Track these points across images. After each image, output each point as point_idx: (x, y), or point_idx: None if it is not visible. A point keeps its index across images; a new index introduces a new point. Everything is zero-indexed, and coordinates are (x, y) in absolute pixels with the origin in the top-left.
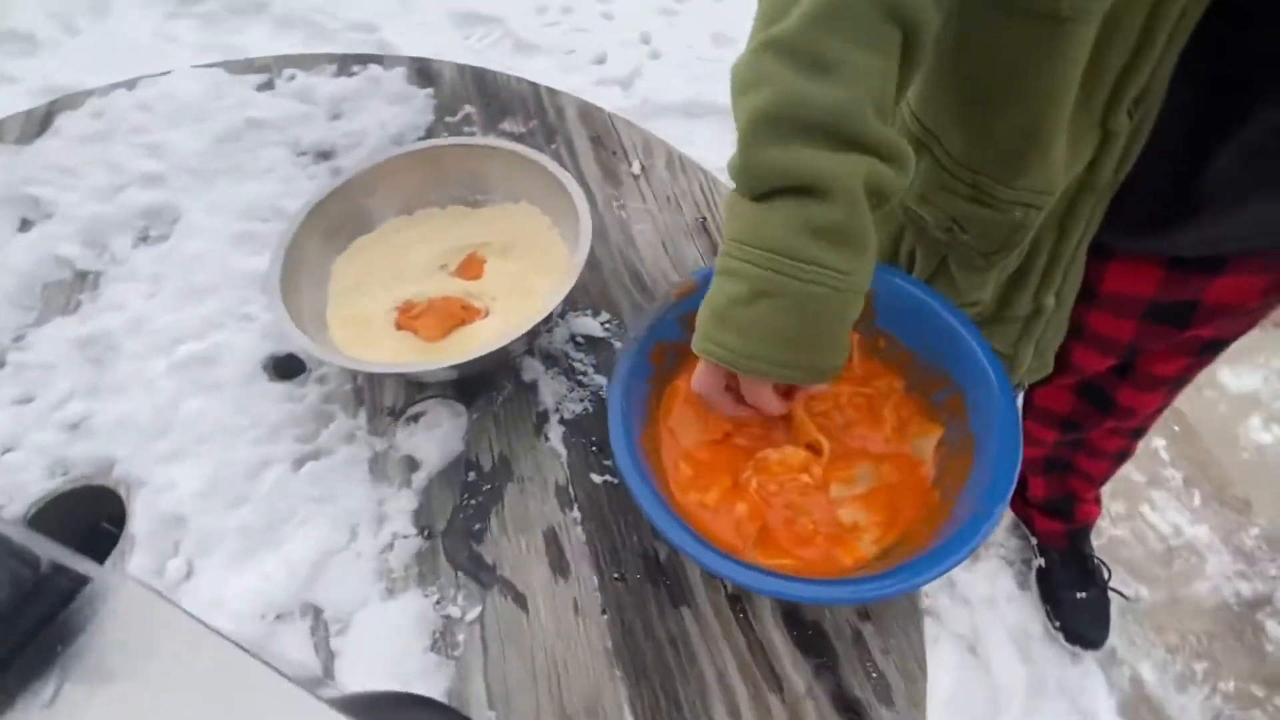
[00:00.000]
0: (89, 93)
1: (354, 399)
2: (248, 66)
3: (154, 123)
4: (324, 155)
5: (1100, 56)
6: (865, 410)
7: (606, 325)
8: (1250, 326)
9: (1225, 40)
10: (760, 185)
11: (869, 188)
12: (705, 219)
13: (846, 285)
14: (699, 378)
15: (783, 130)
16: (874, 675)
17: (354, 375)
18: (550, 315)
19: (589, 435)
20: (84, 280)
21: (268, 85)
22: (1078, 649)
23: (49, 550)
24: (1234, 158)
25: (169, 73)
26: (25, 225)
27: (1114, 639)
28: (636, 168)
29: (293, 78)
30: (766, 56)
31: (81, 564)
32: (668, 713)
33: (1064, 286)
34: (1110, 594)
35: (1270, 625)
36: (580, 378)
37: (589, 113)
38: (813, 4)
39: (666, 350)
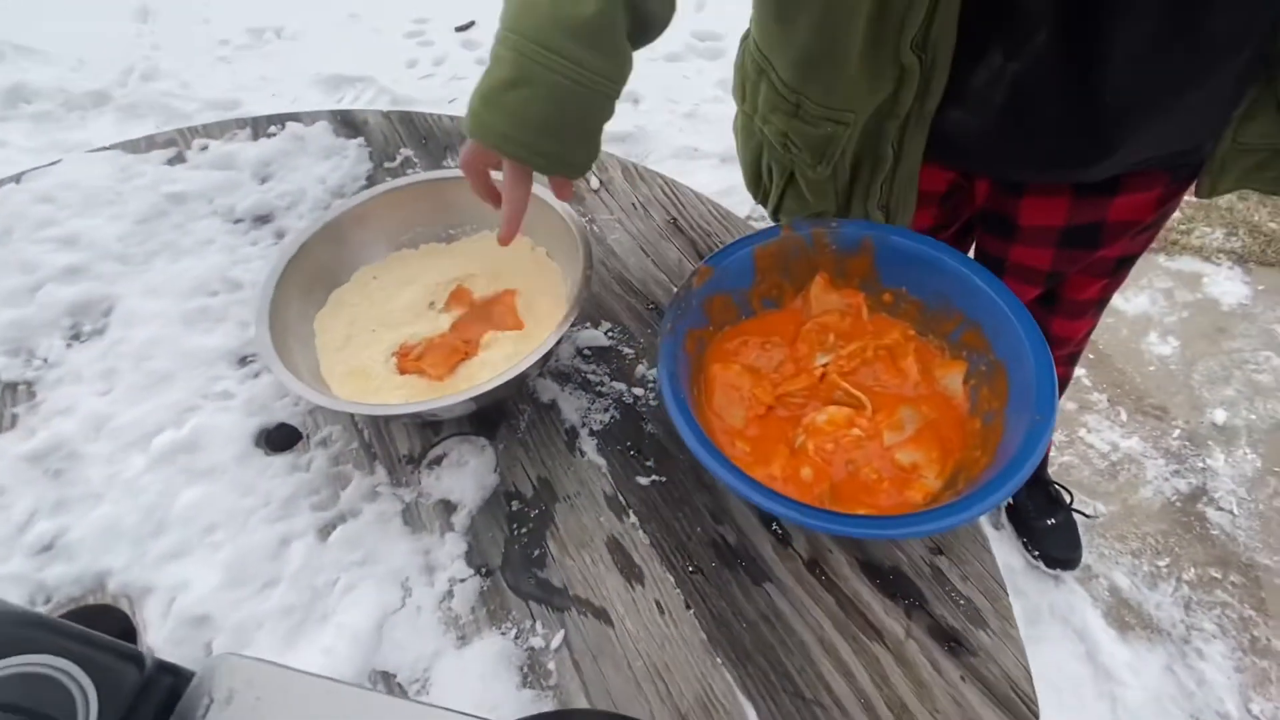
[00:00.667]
0: None
1: (365, 455)
2: (150, 144)
3: (60, 214)
4: (262, 219)
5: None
6: (888, 362)
7: (610, 334)
8: (1150, 240)
9: None
10: None
11: (629, 2)
12: (676, 219)
13: (591, 83)
14: (466, 156)
15: None
16: (961, 602)
17: (360, 431)
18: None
19: (623, 441)
20: (15, 392)
21: (179, 159)
22: (1058, 572)
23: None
24: (1115, 78)
25: (58, 162)
26: None
27: (1086, 556)
28: (595, 183)
29: (205, 147)
30: None
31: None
32: (780, 686)
33: (891, 200)
34: (1074, 516)
35: (1210, 513)
36: (599, 388)
37: None
38: None
39: (696, 337)
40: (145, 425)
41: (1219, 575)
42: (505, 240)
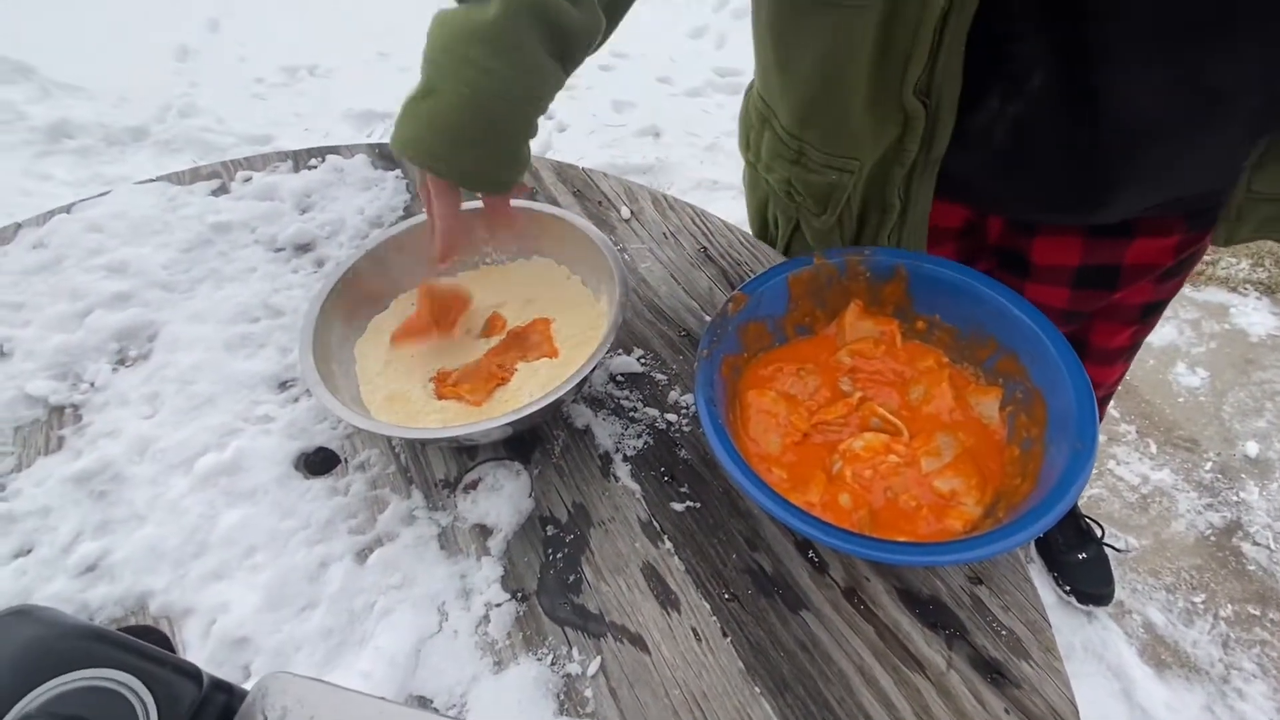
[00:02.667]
0: (16, 225)
1: (403, 480)
2: (195, 175)
3: (110, 242)
4: (303, 248)
5: (888, 44)
6: (899, 387)
7: (643, 360)
8: (1178, 287)
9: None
10: None
11: (535, 10)
12: (706, 248)
13: (496, 89)
14: (419, 181)
15: None
16: (1003, 633)
17: (398, 456)
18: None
19: (657, 467)
20: (62, 415)
21: (223, 190)
22: (1090, 608)
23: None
24: (1104, 133)
25: (107, 192)
26: None
27: (1119, 591)
28: (626, 213)
29: (248, 179)
30: None
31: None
32: (820, 717)
33: (901, 248)
34: (1106, 550)
35: (1245, 547)
36: (632, 414)
37: (564, 170)
38: None
39: (732, 363)
40: (188, 448)
41: (1257, 612)
42: (441, 260)
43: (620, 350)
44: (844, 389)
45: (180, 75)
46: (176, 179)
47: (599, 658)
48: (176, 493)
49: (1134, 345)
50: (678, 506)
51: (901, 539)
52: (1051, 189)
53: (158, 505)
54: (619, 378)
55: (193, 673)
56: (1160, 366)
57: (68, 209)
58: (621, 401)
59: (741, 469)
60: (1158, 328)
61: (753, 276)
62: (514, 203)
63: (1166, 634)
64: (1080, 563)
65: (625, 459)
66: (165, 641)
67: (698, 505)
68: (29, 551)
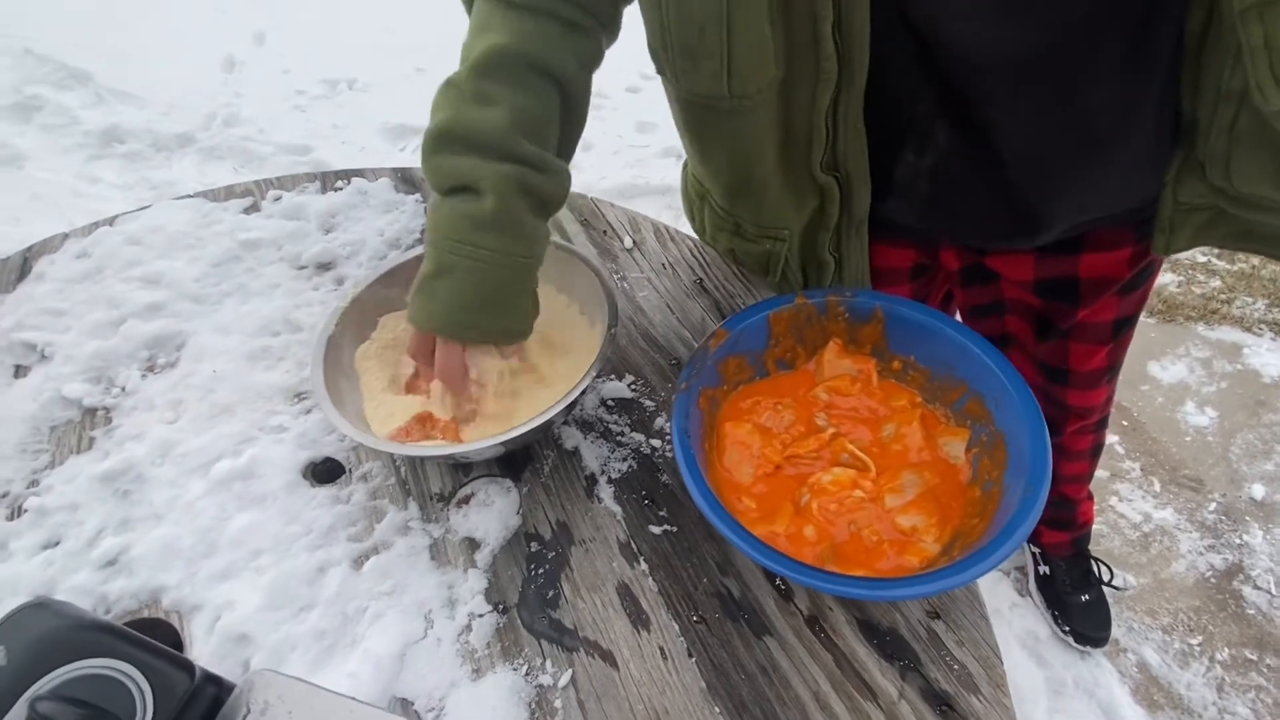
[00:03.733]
0: (64, 236)
1: (401, 491)
2: (229, 193)
3: (147, 255)
4: (324, 267)
5: (789, 133)
6: (873, 424)
7: (633, 386)
8: (1143, 299)
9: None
10: (442, 184)
11: (519, 188)
12: (702, 279)
13: (500, 262)
14: (411, 345)
15: (453, 144)
16: (955, 667)
17: (397, 469)
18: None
19: (638, 490)
20: (93, 417)
21: (254, 208)
22: (1088, 649)
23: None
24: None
25: (147, 207)
26: (20, 371)
27: (1115, 629)
28: (628, 242)
29: (279, 198)
30: (447, 89)
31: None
32: None
33: None
34: (1105, 589)
35: (1246, 591)
36: (619, 438)
37: (572, 199)
38: (476, 57)
39: (710, 396)
40: (206, 453)
41: (1254, 657)
42: (459, 419)
43: (613, 375)
44: (819, 424)
45: (226, 86)
46: (212, 196)
47: (570, 670)
48: (193, 495)
49: (1113, 366)
50: (655, 529)
51: (860, 572)
52: (984, 224)
53: (175, 506)
54: (609, 402)
55: (186, 666)
56: (1168, 404)
57: (110, 221)
58: (610, 425)
59: (708, 500)
60: (1167, 365)
61: (740, 310)
62: None
63: (1161, 675)
64: (1083, 604)
65: (610, 481)
66: (174, 635)
67: (674, 529)
68: (57, 544)
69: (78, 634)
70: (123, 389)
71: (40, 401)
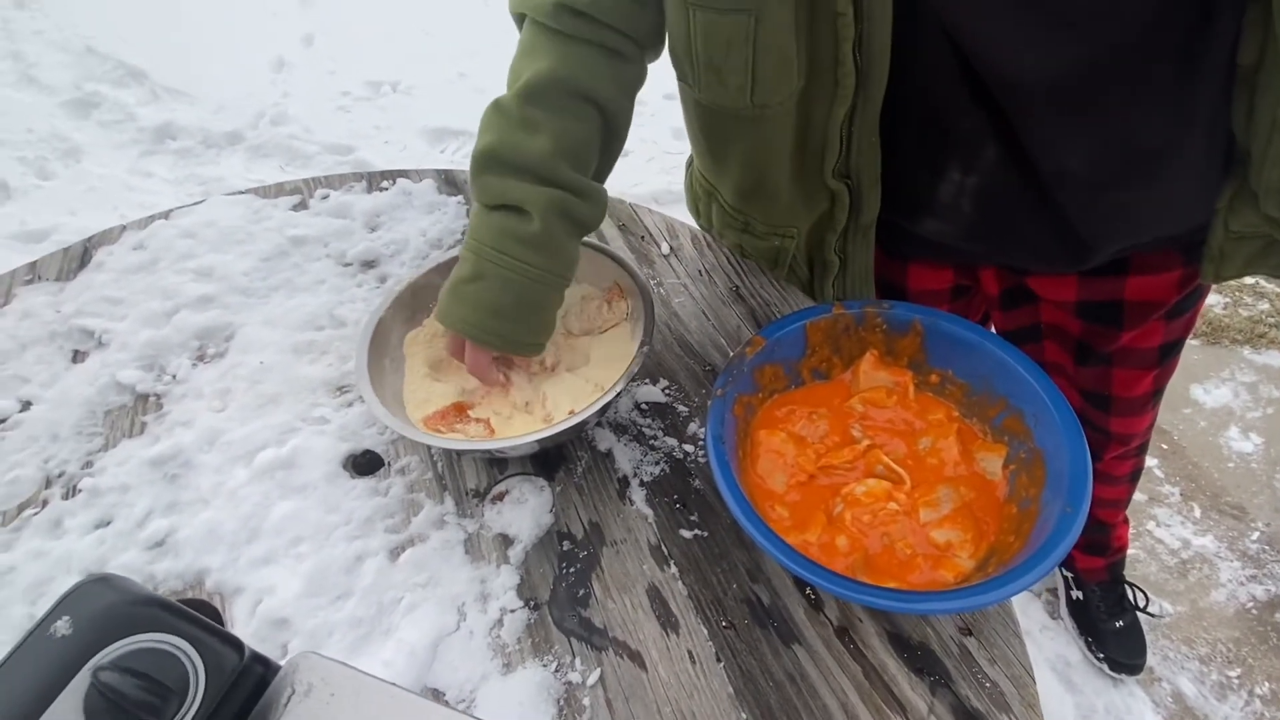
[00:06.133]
0: (122, 228)
1: (437, 486)
2: (279, 190)
3: (199, 248)
4: (369, 264)
5: (803, 142)
6: (908, 437)
7: (667, 391)
8: (1190, 324)
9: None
10: (489, 200)
11: (561, 213)
12: (738, 287)
13: (536, 277)
14: (449, 342)
15: (500, 165)
16: (987, 685)
17: (435, 464)
18: (623, 385)
19: (670, 494)
20: (145, 403)
21: (302, 205)
22: (1122, 676)
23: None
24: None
25: (201, 202)
26: (78, 356)
27: (1150, 657)
28: (665, 249)
29: (326, 197)
30: (495, 111)
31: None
32: None
33: (847, 295)
34: (1140, 615)
35: None
36: (652, 442)
37: (611, 205)
38: (523, 83)
39: (745, 403)
40: (251, 442)
41: None
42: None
43: (647, 380)
44: (854, 435)
45: (275, 86)
46: (263, 193)
47: (599, 669)
48: (237, 482)
49: (1158, 390)
50: (686, 534)
51: (892, 585)
52: (1031, 246)
53: (220, 492)
54: (644, 406)
55: (237, 645)
56: (1211, 429)
57: (166, 215)
58: (644, 429)
59: (741, 506)
60: (1211, 389)
61: (777, 319)
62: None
63: (1196, 706)
64: (1117, 630)
65: (642, 484)
66: (217, 616)
67: (705, 534)
68: (108, 524)
69: (137, 609)
70: (174, 377)
71: (97, 386)
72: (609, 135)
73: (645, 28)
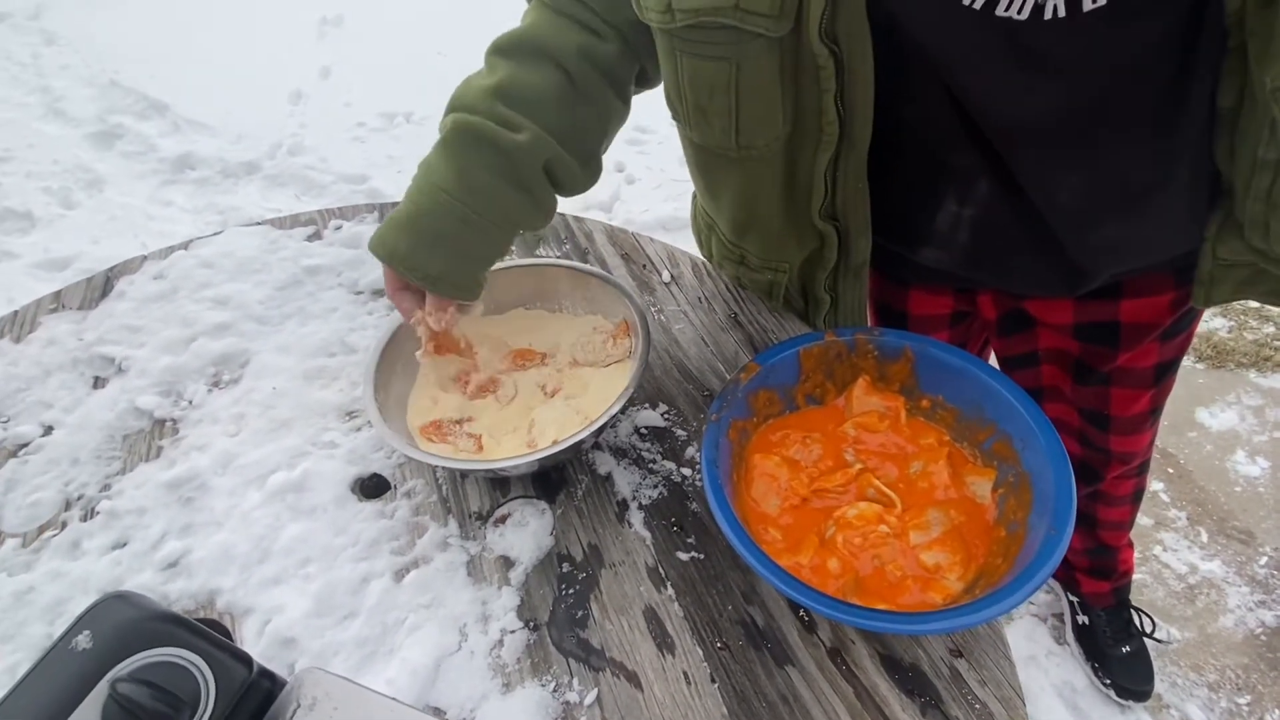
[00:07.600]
0: (142, 258)
1: (442, 509)
2: (294, 221)
3: (217, 277)
4: (379, 293)
5: (791, 183)
6: (900, 461)
7: (666, 415)
8: (1185, 344)
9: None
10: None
11: (474, 137)
12: (736, 314)
13: (432, 194)
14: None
15: (451, 105)
16: (976, 706)
17: (440, 487)
18: (618, 409)
19: (668, 517)
20: (162, 427)
21: (316, 236)
22: (1130, 703)
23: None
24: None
25: (220, 233)
26: (99, 383)
27: (1158, 684)
28: (666, 277)
29: (339, 227)
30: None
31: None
32: None
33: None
34: (1146, 640)
35: None
36: (650, 465)
37: (615, 234)
38: (496, 40)
39: (740, 427)
40: (264, 465)
41: None
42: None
43: (647, 404)
44: (847, 459)
45: (292, 117)
46: (278, 223)
47: (596, 690)
48: (249, 504)
49: (1155, 409)
50: (683, 556)
51: (882, 607)
52: (1027, 273)
53: (233, 514)
54: (643, 430)
55: (246, 660)
56: (1218, 452)
57: (185, 245)
58: (643, 453)
59: (734, 529)
60: (1217, 412)
61: (773, 345)
62: (570, 264)
63: None
64: (1124, 656)
65: (640, 507)
66: (227, 635)
67: (702, 556)
68: (124, 545)
69: (153, 624)
70: (190, 402)
71: (116, 411)
72: (577, 97)
73: (620, 19)
